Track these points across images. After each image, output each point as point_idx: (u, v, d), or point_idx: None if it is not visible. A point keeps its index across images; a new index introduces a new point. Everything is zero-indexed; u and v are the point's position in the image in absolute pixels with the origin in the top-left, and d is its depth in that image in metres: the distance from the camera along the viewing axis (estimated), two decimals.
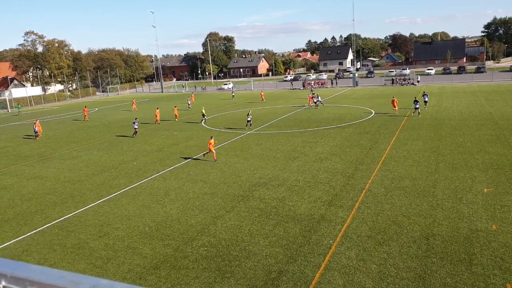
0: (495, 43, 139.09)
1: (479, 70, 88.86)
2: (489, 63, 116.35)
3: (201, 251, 13.47)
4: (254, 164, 23.88)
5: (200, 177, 22.01)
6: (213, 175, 22.18)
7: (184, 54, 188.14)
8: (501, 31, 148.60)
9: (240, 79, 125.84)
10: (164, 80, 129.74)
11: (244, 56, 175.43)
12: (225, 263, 12.52)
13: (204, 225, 15.54)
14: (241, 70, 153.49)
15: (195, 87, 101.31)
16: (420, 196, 16.67)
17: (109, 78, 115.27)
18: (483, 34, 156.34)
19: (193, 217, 16.44)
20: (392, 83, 75.58)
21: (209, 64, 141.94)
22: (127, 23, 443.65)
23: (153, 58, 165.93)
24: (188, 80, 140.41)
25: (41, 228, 16.41)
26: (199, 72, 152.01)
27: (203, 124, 40.88)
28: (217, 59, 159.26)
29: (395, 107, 38.16)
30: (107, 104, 77.58)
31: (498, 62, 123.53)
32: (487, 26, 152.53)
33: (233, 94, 65.64)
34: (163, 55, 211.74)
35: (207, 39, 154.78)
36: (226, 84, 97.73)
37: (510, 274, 10.67)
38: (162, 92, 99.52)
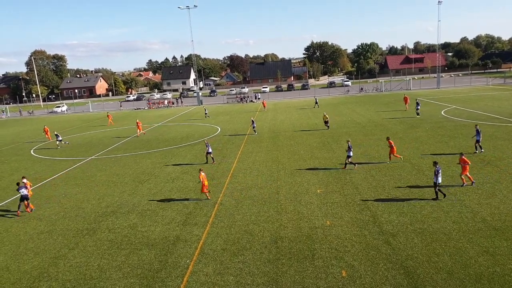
0: (314, 64, 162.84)
1: (304, 87, 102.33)
2: (311, 81, 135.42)
3: None
4: (99, 192, 21.98)
5: (33, 214, 19.06)
6: (49, 210, 19.49)
7: (3, 75, 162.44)
8: (318, 53, 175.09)
9: (76, 101, 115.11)
10: None
11: (78, 75, 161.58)
12: None
13: (42, 269, 13.46)
14: (76, 90, 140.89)
15: (20, 111, 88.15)
16: (266, 203, 18.01)
17: None
18: (304, 55, 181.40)
19: (27, 262, 14.09)
20: (241, 100, 79.78)
21: (36, 85, 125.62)
22: None
23: None
24: (9, 103, 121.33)
25: None
26: (23, 94, 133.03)
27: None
28: (45, 79, 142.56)
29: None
30: None
31: (318, 80, 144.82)
32: (307, 49, 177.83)
33: (206, 113, 55.41)
34: None
35: (32, 58, 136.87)
36: (59, 106, 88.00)
37: (344, 261, 12.41)
38: None
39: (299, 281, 11.50)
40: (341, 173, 21.75)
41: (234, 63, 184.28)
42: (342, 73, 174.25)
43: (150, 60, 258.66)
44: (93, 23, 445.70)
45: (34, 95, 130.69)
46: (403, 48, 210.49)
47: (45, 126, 46.29)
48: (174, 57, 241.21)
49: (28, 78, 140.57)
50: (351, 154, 22.59)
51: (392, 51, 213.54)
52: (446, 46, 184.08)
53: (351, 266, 12.07)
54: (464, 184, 18.22)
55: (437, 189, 16.73)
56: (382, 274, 11.48)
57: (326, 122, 37.36)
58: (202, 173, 18.76)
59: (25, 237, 16.34)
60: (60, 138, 38.95)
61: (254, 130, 37.74)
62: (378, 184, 19.54)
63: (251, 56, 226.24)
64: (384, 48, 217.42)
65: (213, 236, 14.95)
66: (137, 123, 42.50)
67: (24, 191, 18.95)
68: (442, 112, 42.26)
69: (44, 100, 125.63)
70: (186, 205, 18.60)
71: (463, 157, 18.16)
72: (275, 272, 12.05)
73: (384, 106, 52.06)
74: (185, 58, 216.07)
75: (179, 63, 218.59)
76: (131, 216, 17.79)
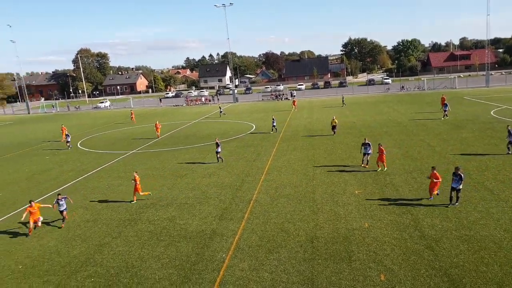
0: (352, 61, 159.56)
1: (341, 85, 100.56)
2: (349, 78, 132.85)
3: (87, 283, 12.26)
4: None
5: (79, 203, 20.01)
6: (94, 200, 20.40)
7: (53, 72, 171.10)
8: (356, 50, 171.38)
9: (117, 97, 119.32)
10: (31, 100, 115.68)
11: (120, 73, 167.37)
12: None
13: (88, 255, 14.15)
14: (118, 87, 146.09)
15: (68, 106, 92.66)
16: (302, 202, 17.90)
17: None
18: (342, 52, 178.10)
19: (75, 247, 14.86)
20: (276, 98, 79.58)
21: (82, 81, 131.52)
22: None
23: (15, 77, 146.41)
24: (58, 99, 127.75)
25: None
26: (71, 90, 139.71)
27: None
28: (90, 76, 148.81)
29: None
30: None
31: (356, 77, 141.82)
32: (345, 46, 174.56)
33: (222, 111, 56.20)
34: (27, 73, 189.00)
35: (78, 56, 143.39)
36: (102, 102, 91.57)
37: (382, 265, 12.12)
38: (29, 113, 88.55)
39: (335, 282, 11.37)
40: (380, 174, 21.23)
41: (269, 60, 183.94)
42: (381, 71, 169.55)
43: (188, 58, 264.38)
44: (134, 23, 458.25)
45: (80, 91, 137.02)
46: (447, 44, 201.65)
47: (63, 126, 44.31)
48: (210, 55, 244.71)
49: (74, 75, 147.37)
50: (370, 152, 22.68)
51: (436, 47, 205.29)
52: (496, 42, 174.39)
53: (390, 270, 11.77)
54: (431, 198, 17.09)
55: (456, 194, 16.06)
56: (424, 281, 11.09)
57: (333, 127, 33.99)
58: (136, 175, 19.60)
59: (73, 224, 17.21)
60: (69, 139, 37.37)
61: (275, 129, 37.40)
62: (420, 186, 18.89)
63: (286, 53, 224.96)
64: (426, 45, 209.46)
65: (248, 232, 15.07)
66: (155, 124, 40.30)
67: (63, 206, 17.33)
68: (492, 113, 40.14)
69: (89, 96, 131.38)
70: (222, 200, 18.86)
71: (435, 171, 16.84)
72: (311, 272, 11.98)
73: (426, 105, 50.20)
74: (221, 56, 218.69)
75: (216, 61, 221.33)
76: (170, 209, 18.29)
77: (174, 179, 23.44)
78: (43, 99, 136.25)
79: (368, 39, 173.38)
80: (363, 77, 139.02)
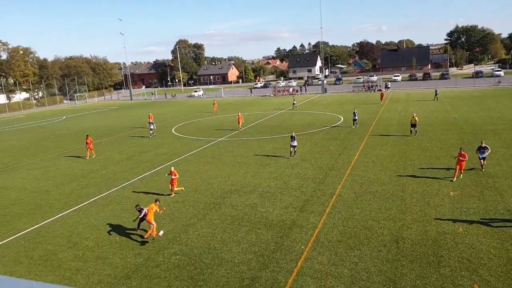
0: (458, 51, 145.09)
1: (443, 77, 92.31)
2: (453, 70, 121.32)
3: (173, 259, 13.17)
4: (225, 171, 23.66)
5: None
6: (184, 183, 21.76)
7: (153, 62, 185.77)
8: (463, 39, 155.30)
9: (210, 86, 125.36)
10: (133, 88, 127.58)
11: (214, 63, 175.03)
12: (198, 271, 12.28)
13: (175, 234, 15.20)
14: (211, 77, 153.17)
15: (165, 94, 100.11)
16: (389, 200, 16.95)
17: (76, 86, 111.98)
18: (446, 41, 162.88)
19: (164, 226, 16.04)
20: (368, 89, 76.44)
21: (179, 71, 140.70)
22: (94, 30, 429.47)
23: (122, 66, 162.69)
24: (157, 87, 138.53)
25: (6, 241, 15.64)
26: (168, 79, 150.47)
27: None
28: (186, 66, 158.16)
29: None
30: (75, 112, 75.24)
31: (461, 69, 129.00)
32: (450, 34, 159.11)
33: (295, 103, 55.47)
34: (132, 63, 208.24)
35: (176, 47, 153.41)
36: (196, 91, 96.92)
37: (477, 275, 10.96)
38: (131, 99, 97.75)
39: (420, 286, 10.59)
40: (482, 176, 19.13)
41: (363, 49, 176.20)
42: (492, 62, 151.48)
43: (278, 48, 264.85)
44: (229, 14, 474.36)
45: (176, 80, 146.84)
46: None
47: (150, 113, 43.54)
48: (301, 45, 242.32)
49: (172, 64, 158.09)
50: (485, 155, 19.75)
51: None
52: None
53: (486, 281, 10.58)
54: None
55: None
56: None
57: (413, 125, 30.03)
58: (172, 169, 19.80)
59: (163, 204, 18.51)
60: (152, 127, 38.34)
61: (356, 123, 35.42)
62: None
63: (383, 42, 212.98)
64: None
65: (329, 226, 14.76)
66: (238, 116, 39.16)
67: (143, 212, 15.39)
68: None
69: (184, 85, 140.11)
70: (304, 192, 18.73)
71: None
72: (394, 273, 11.33)
73: None
74: (313, 45, 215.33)
75: (306, 51, 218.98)
76: (252, 196, 18.73)
77: (258, 167, 23.92)
78: (143, 86, 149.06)
79: (479, 27, 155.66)
80: (469, 69, 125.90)
